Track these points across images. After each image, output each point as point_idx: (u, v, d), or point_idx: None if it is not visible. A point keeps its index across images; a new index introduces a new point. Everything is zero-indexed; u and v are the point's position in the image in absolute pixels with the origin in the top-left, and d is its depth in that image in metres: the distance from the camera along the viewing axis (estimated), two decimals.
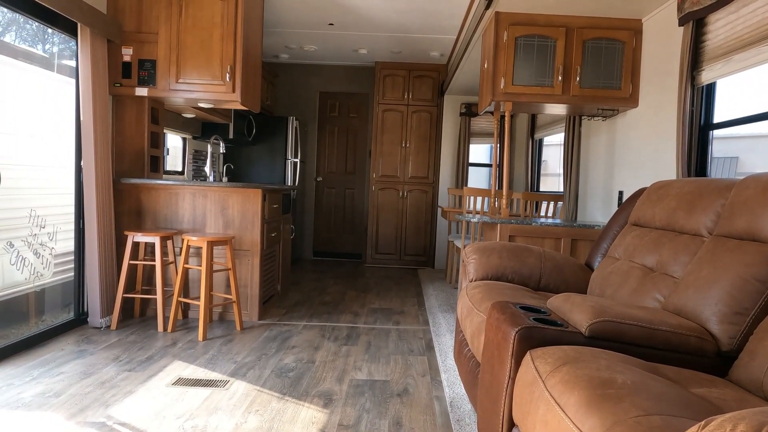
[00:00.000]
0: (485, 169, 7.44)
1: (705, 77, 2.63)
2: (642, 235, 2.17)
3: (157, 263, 3.21)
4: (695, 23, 2.65)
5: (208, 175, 4.10)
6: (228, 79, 3.45)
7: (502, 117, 5.33)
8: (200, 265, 3.37)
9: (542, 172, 6.55)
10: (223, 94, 3.48)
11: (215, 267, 3.48)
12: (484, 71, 3.59)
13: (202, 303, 3.08)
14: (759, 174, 1.65)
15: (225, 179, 4.18)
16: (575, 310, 1.52)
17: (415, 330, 3.50)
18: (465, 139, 6.04)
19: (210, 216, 3.50)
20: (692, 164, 2.65)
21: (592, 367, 1.18)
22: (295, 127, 5.67)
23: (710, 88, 2.72)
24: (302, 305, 4.06)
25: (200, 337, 3.07)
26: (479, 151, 7.09)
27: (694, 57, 2.66)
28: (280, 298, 4.23)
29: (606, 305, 1.52)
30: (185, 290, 3.51)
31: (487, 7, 3.16)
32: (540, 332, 1.44)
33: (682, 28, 2.77)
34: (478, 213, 4.39)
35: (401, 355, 2.95)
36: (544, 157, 6.02)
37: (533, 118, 5.48)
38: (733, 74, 2.45)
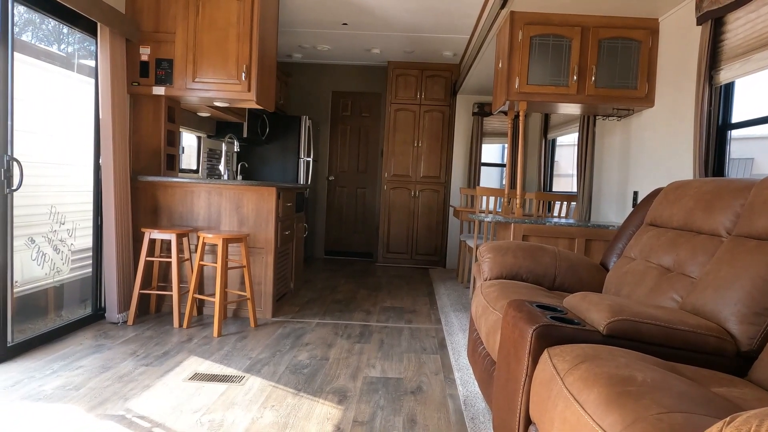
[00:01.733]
0: (496, 169, 7.42)
1: (723, 77, 2.61)
2: (659, 235, 2.16)
3: (173, 260, 3.25)
4: (714, 22, 2.63)
5: (222, 173, 4.14)
6: (243, 79, 3.48)
7: (516, 117, 5.31)
8: (215, 263, 3.40)
9: (556, 172, 6.51)
10: (239, 93, 3.52)
11: (230, 264, 3.51)
12: (499, 71, 3.59)
13: (217, 300, 3.11)
14: None
15: (239, 178, 4.22)
16: (593, 309, 1.52)
17: (428, 329, 3.50)
18: (477, 138, 6.03)
19: (225, 214, 3.54)
20: (710, 164, 2.63)
21: (611, 365, 1.18)
22: (308, 126, 5.70)
23: (729, 88, 2.69)
24: (315, 303, 4.08)
25: (215, 334, 3.10)
26: (491, 151, 7.07)
27: (713, 56, 2.64)
28: (293, 296, 4.26)
29: (624, 304, 1.52)
30: (200, 287, 3.55)
31: (502, 6, 3.16)
32: (557, 330, 1.44)
33: (700, 27, 2.75)
34: (491, 213, 4.39)
35: (414, 354, 2.96)
36: (556, 157, 5.99)
37: (546, 118, 5.46)
38: (752, 74, 2.43)
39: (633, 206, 3.51)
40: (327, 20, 4.65)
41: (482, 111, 6.00)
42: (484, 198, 4.49)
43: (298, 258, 4.40)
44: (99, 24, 3.05)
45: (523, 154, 3.60)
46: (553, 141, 5.64)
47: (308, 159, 5.76)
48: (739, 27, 2.50)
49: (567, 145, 5.71)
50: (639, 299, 1.99)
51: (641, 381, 1.09)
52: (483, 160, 6.27)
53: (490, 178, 7.20)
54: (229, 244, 3.48)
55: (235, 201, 3.53)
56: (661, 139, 3.24)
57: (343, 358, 2.83)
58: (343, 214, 6.57)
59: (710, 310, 1.57)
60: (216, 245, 3.46)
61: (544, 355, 1.40)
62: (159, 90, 3.52)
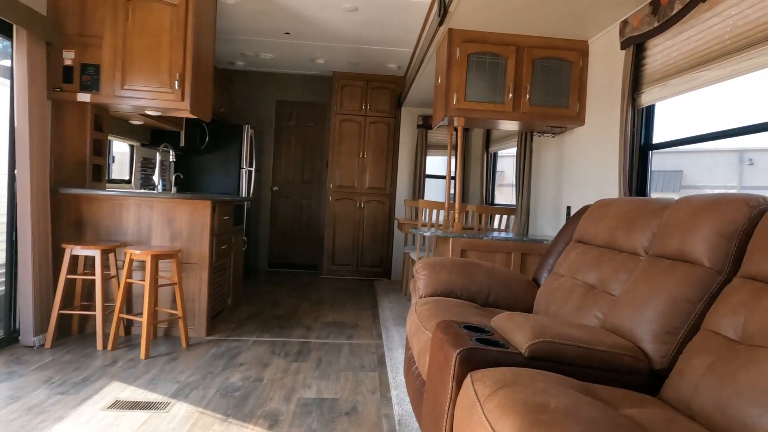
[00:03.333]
0: (443, 181, 7.52)
1: (644, 99, 2.74)
2: (585, 252, 2.22)
3: (97, 277, 3.06)
4: (636, 48, 2.76)
5: (156, 184, 3.95)
6: (177, 87, 3.34)
7: (456, 131, 5.40)
8: (144, 280, 3.23)
9: (500, 182, 6.66)
10: (172, 102, 3.38)
11: (160, 281, 3.35)
12: (438, 86, 3.63)
13: (144, 319, 2.95)
14: (690, 196, 1.73)
15: (174, 189, 4.05)
16: (516, 330, 1.53)
17: (368, 344, 3.47)
18: (422, 150, 6.09)
19: (156, 228, 3.37)
20: (633, 183, 2.75)
21: (528, 391, 1.18)
22: (251, 136, 5.57)
23: (650, 110, 2.84)
24: (253, 319, 3.96)
25: (142, 356, 2.94)
26: (437, 163, 7.17)
27: (635, 80, 2.77)
28: (230, 312, 4.11)
29: (546, 325, 1.54)
30: (128, 306, 3.36)
31: (441, 23, 3.20)
32: (481, 354, 1.44)
33: (624, 51, 2.88)
34: (433, 226, 4.42)
35: (352, 371, 2.91)
36: (502, 167, 6.15)
37: (488, 132, 5.58)
38: (669, 98, 2.57)
39: (566, 221, 3.63)
40: (269, 29, 4.57)
41: (426, 123, 6.08)
42: (427, 210, 4.52)
43: (237, 272, 4.26)
44: (15, 26, 2.85)
45: (461, 167, 3.65)
46: (495, 154, 5.78)
47: (251, 169, 5.62)
48: (657, 53, 2.64)
49: (512, 156, 5.86)
50: (566, 316, 2.04)
51: (554, 408, 1.10)
52: (428, 172, 6.33)
53: (438, 190, 7.29)
54: (160, 260, 3.32)
55: (168, 214, 3.37)
56: (591, 157, 3.37)
57: (278, 378, 2.74)
58: (288, 226, 6.45)
59: (627, 328, 1.62)
60: (145, 261, 3.29)
61: (467, 379, 1.39)
62: (84, 97, 3.32)
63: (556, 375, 1.35)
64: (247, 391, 2.54)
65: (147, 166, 4.89)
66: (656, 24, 2.54)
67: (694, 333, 1.48)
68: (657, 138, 2.82)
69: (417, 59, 4.50)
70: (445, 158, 7.10)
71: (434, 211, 5.57)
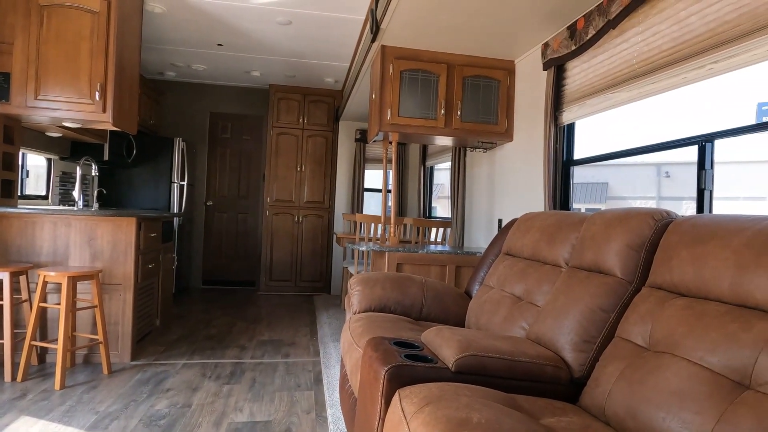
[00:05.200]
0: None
1: (566, 117, 2.90)
2: (512, 264, 2.30)
3: (5, 302, 2.81)
4: (556, 69, 2.92)
5: (76, 200, 3.71)
6: (98, 98, 3.17)
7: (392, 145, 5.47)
8: (60, 303, 3.00)
9: (440, 194, 6.79)
10: (92, 114, 3.19)
11: (79, 304, 3.13)
12: (373, 101, 3.67)
13: (60, 346, 2.74)
14: (604, 211, 1.83)
15: (96, 205, 3.81)
16: (444, 345, 1.55)
17: (305, 362, 3.40)
18: (360, 164, 6.11)
19: (74, 247, 3.16)
20: (557, 196, 2.88)
21: (452, 407, 1.20)
22: (182, 149, 5.37)
23: (571, 128, 3.00)
24: (184, 341, 3.78)
25: (57, 386, 2.72)
26: (376, 177, 7.22)
27: (557, 99, 2.93)
28: (158, 334, 3.90)
29: (472, 338, 1.57)
30: (42, 332, 3.11)
31: (374, 40, 3.25)
32: (409, 370, 1.44)
33: (546, 72, 3.04)
34: (370, 240, 4.43)
35: (287, 392, 2.84)
36: (441, 180, 6.27)
37: (425, 147, 5.69)
38: (588, 116, 2.73)
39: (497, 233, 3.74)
40: (200, 40, 4.44)
41: (364, 137, 6.11)
42: (365, 224, 4.53)
43: (166, 292, 4.06)
44: None
45: (397, 182, 3.69)
46: (432, 168, 5.89)
47: (182, 183, 5.41)
48: (576, 75, 2.81)
49: (449, 169, 6.00)
50: (495, 328, 2.09)
51: (476, 422, 1.11)
52: (367, 186, 6.36)
53: (378, 204, 7.33)
54: (78, 282, 3.10)
55: (88, 233, 3.17)
56: (520, 172, 3.51)
57: (209, 403, 2.62)
58: (223, 241, 6.25)
59: (549, 338, 1.68)
60: (61, 284, 3.06)
61: (396, 396, 1.39)
62: None
63: (481, 388, 1.37)
64: (174, 418, 2.41)
65: (67, 180, 4.59)
66: (573, 47, 2.70)
67: (609, 341, 1.55)
68: (578, 154, 2.99)
69: (353, 74, 4.53)
70: (382, 172, 7.16)
71: (372, 225, 5.60)
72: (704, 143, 2.04)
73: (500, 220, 3.77)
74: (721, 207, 2.09)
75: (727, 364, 1.14)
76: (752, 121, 1.86)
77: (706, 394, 1.14)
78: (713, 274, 1.27)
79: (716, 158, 2.04)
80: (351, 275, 4.70)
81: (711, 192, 2.03)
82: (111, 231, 3.18)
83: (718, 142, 2.02)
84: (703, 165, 2.04)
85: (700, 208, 2.06)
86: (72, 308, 2.88)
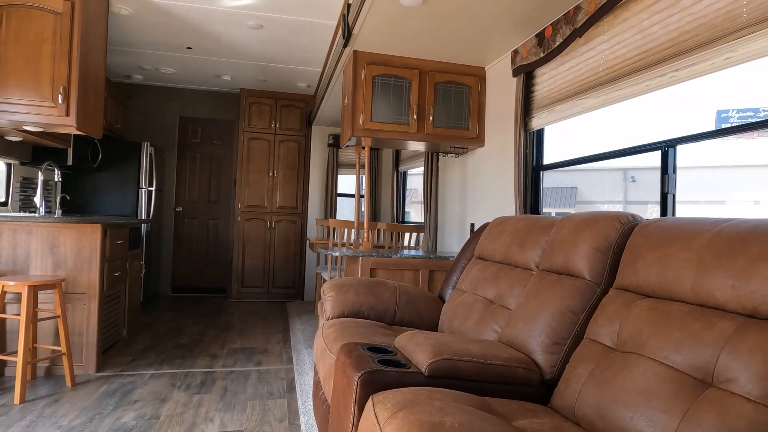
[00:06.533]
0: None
1: (535, 123, 2.95)
2: (484, 268, 2.32)
3: None
4: (525, 75, 2.97)
5: (38, 206, 3.58)
6: (61, 101, 3.07)
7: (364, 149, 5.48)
8: (19, 314, 2.89)
9: (413, 199, 6.81)
10: (55, 118, 3.09)
11: (41, 314, 3.01)
12: (345, 106, 3.66)
13: (19, 358, 2.63)
14: (573, 214, 1.87)
15: (59, 212, 3.68)
16: (417, 349, 1.55)
17: (278, 370, 3.35)
18: (333, 169, 6.09)
19: (36, 255, 3.04)
20: (527, 201, 2.93)
21: (426, 411, 1.19)
22: (150, 153, 5.25)
23: (540, 133, 3.05)
24: (152, 350, 3.68)
25: (17, 400, 2.61)
26: (350, 182, 7.21)
27: (526, 105, 2.98)
28: (126, 344, 3.79)
29: (445, 342, 1.57)
30: (1, 344, 2.98)
31: (345, 45, 3.25)
32: (383, 376, 1.44)
33: (515, 78, 3.09)
34: (344, 245, 4.41)
35: (259, 400, 2.79)
36: (414, 185, 6.30)
37: (398, 152, 5.71)
38: (556, 122, 2.79)
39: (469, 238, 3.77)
40: (168, 43, 4.36)
41: (337, 142, 6.09)
42: (338, 229, 4.51)
43: (134, 300, 3.95)
44: None
45: (370, 186, 3.69)
46: (405, 173, 5.92)
47: (151, 189, 5.29)
48: (544, 81, 2.87)
49: (422, 174, 6.03)
50: (468, 331, 2.11)
51: (449, 426, 1.11)
52: (340, 191, 6.34)
53: (351, 209, 7.31)
54: (39, 291, 2.99)
55: (50, 240, 3.06)
56: (491, 176, 3.55)
57: (178, 413, 2.56)
58: (193, 248, 6.12)
59: (521, 341, 1.70)
60: (21, 294, 2.95)
61: (369, 402, 1.38)
62: None
63: (454, 392, 1.38)
64: (142, 430, 2.34)
65: (28, 186, 4.43)
66: (542, 55, 2.76)
67: (579, 342, 1.58)
68: (548, 159, 3.04)
69: (325, 79, 4.52)
70: (355, 177, 7.16)
71: (345, 230, 5.57)
72: (667, 149, 2.11)
73: (472, 225, 3.80)
74: (683, 210, 2.16)
75: (690, 362, 1.17)
76: (712, 128, 1.93)
77: (671, 392, 1.17)
78: (676, 275, 1.31)
79: (678, 163, 2.11)
80: (324, 281, 4.67)
81: (674, 196, 2.10)
82: (74, 238, 3.08)
83: (680, 148, 2.09)
84: (666, 170, 2.10)
85: (663, 212, 2.12)
86: (33, 319, 2.77)
